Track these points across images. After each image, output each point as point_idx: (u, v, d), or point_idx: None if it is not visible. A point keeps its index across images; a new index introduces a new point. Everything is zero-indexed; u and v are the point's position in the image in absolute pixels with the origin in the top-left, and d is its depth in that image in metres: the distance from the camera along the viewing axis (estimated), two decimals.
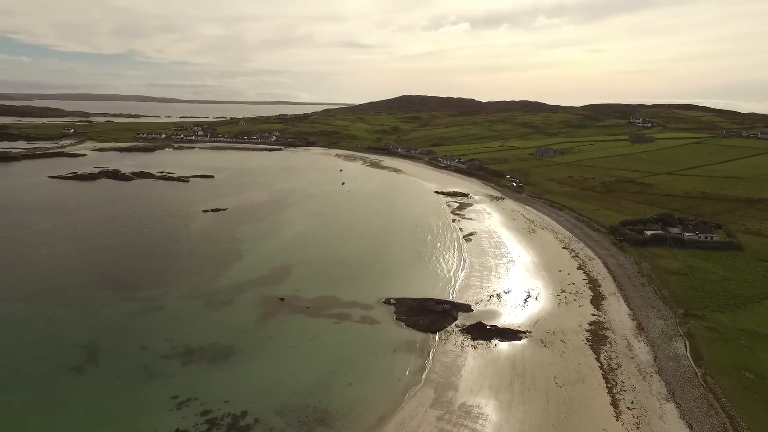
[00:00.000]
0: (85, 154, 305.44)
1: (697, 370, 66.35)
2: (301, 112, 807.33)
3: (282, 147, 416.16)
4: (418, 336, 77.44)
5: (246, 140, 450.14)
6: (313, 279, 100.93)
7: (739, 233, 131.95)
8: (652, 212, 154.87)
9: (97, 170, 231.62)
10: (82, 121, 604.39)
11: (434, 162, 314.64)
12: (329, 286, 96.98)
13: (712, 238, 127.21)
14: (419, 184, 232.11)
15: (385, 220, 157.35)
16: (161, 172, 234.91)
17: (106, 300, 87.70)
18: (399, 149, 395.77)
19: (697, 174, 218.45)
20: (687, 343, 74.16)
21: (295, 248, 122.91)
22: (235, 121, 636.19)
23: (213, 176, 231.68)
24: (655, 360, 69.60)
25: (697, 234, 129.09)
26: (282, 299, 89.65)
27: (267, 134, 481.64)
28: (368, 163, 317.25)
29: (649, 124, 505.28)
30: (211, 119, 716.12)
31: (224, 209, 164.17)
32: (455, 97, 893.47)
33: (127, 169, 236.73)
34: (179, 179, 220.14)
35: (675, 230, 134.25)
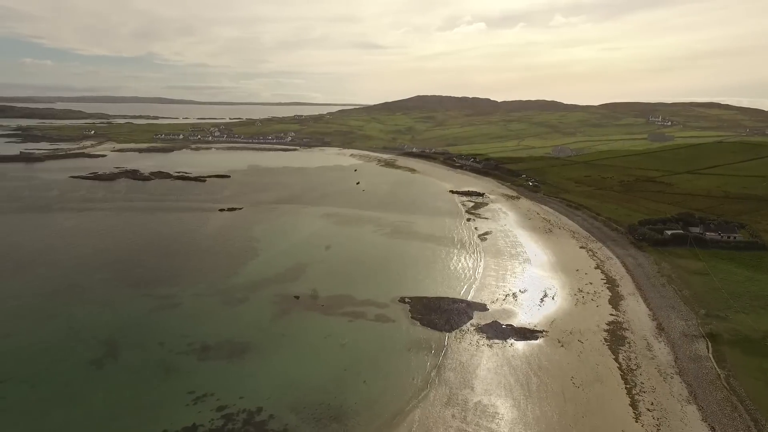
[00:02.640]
0: (105, 155, 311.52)
1: (720, 372, 64.67)
2: (317, 113, 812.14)
3: (297, 147, 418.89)
4: (433, 335, 76.97)
5: (262, 141, 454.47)
6: (328, 277, 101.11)
7: (764, 233, 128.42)
8: (673, 212, 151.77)
9: (116, 170, 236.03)
10: (102, 122, 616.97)
11: (449, 162, 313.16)
12: (344, 284, 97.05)
13: (735, 237, 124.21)
14: (434, 184, 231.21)
15: (398, 221, 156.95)
16: (179, 172, 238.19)
17: (124, 297, 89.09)
18: (414, 149, 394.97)
19: (719, 173, 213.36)
20: (709, 344, 72.38)
21: (310, 247, 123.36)
22: (251, 122, 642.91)
23: (229, 176, 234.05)
24: (675, 361, 68.06)
25: (720, 234, 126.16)
26: (297, 297, 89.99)
27: (282, 135, 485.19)
28: (383, 163, 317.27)
29: (669, 123, 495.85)
30: (227, 120, 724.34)
31: (240, 208, 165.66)
32: (470, 96, 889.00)
33: (145, 170, 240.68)
34: (196, 179, 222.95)
35: (696, 230, 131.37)
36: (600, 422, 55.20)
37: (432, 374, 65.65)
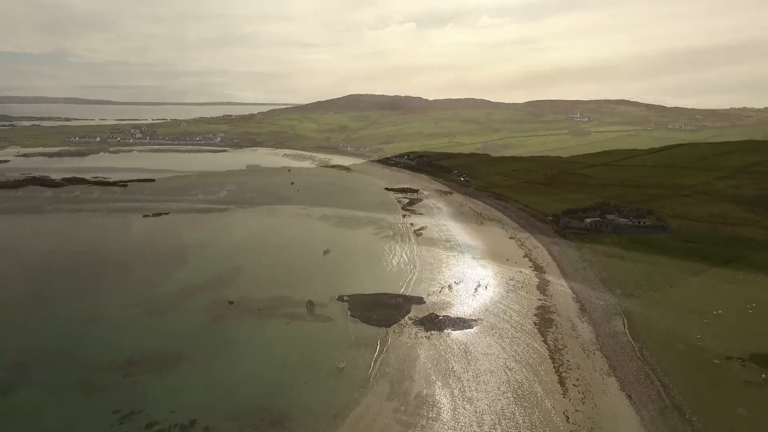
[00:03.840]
0: (7, 161, 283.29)
1: (634, 345, 70.46)
2: (247, 113, 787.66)
3: (227, 148, 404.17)
4: (373, 330, 77.41)
5: (189, 142, 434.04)
6: (264, 280, 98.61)
7: (668, 217, 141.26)
8: (591, 201, 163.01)
9: (22, 177, 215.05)
10: (3, 125, 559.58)
11: (383, 160, 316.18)
12: (280, 286, 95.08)
13: (644, 222, 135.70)
14: (369, 182, 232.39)
15: (336, 219, 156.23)
16: (96, 177, 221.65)
17: (38, 315, 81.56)
18: (348, 148, 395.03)
19: (630, 164, 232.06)
20: (625, 320, 78.63)
21: (244, 249, 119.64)
22: (176, 123, 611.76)
23: (153, 180, 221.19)
24: (597, 338, 73.26)
25: (631, 219, 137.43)
26: (231, 302, 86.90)
27: (211, 136, 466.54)
28: (317, 162, 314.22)
29: (587, 119, 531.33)
30: (150, 121, 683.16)
31: (166, 213, 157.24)
32: (403, 95, 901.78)
33: (57, 175, 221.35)
34: (116, 184, 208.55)
35: (611, 217, 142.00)
36: (532, 402, 58.19)
37: (372, 370, 66.01)
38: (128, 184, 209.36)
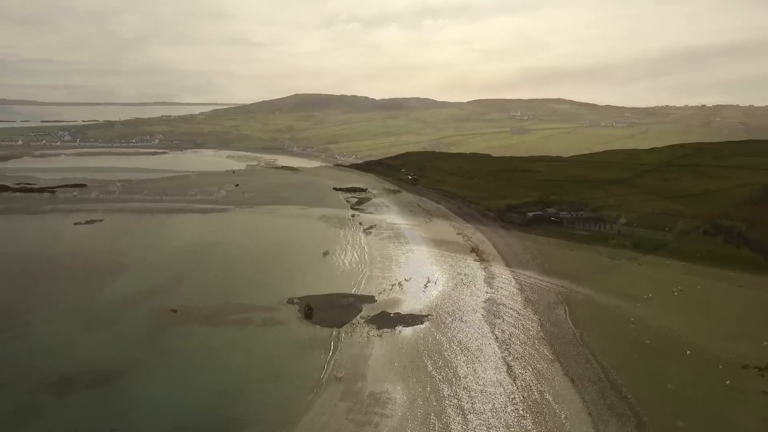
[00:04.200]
0: None
1: (575, 331, 74.18)
2: (188, 113, 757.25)
3: (167, 150, 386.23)
4: (325, 332, 76.70)
5: (124, 144, 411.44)
6: (209, 287, 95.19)
7: (604, 209, 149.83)
8: (533, 196, 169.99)
9: None
10: None
11: (331, 159, 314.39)
12: (228, 292, 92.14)
13: (581, 215, 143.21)
14: (317, 182, 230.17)
15: (283, 221, 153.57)
16: (19, 184, 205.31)
17: None
18: (295, 148, 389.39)
19: (568, 159, 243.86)
20: (566, 309, 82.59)
21: (188, 255, 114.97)
22: (110, 124, 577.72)
23: (85, 185, 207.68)
24: (541, 327, 76.43)
25: (570, 212, 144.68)
26: (174, 311, 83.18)
27: (149, 137, 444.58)
28: (263, 164, 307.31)
29: (526, 117, 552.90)
30: (81, 123, 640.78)
31: (100, 220, 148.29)
32: (349, 94, 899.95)
33: None
34: (43, 190, 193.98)
35: (552, 210, 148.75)
36: (483, 392, 59.78)
37: (325, 371, 65.40)
38: (56, 190, 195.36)
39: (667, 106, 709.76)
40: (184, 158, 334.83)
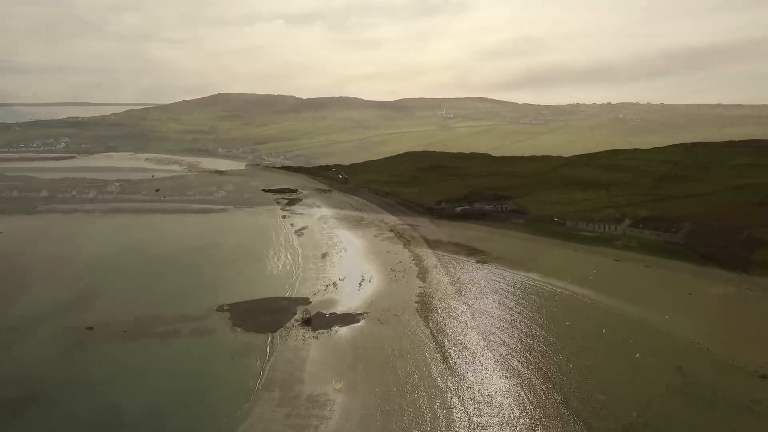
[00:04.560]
0: None
1: (505, 317, 77.69)
2: (98, 114, 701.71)
3: (75, 155, 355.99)
4: (258, 338, 74.34)
5: (24, 149, 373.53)
6: (129, 299, 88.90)
7: (524, 201, 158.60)
8: (461, 191, 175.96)
9: None
10: None
11: (259, 160, 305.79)
12: (150, 303, 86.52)
13: (506, 207, 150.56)
14: (245, 184, 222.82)
15: (211, 226, 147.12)
16: None
17: None
18: (219, 149, 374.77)
19: (492, 155, 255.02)
20: (496, 297, 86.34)
21: (104, 264, 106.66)
22: (6, 127, 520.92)
23: None
24: (472, 316, 79.29)
25: (495, 206, 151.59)
26: (90, 328, 76.69)
27: (53, 141, 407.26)
28: (185, 166, 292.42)
29: (452, 115, 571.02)
30: None
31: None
32: (275, 93, 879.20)
33: None
34: None
35: (478, 204, 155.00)
36: (421, 383, 60.85)
37: (260, 378, 63.41)
38: None
39: (578, 104, 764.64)
40: (96, 164, 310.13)
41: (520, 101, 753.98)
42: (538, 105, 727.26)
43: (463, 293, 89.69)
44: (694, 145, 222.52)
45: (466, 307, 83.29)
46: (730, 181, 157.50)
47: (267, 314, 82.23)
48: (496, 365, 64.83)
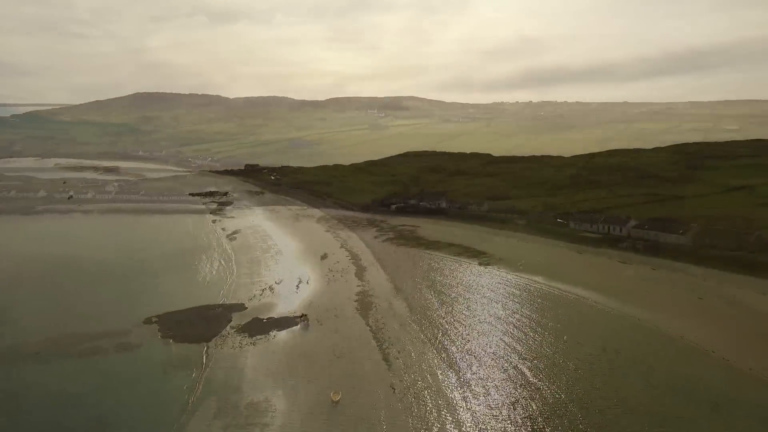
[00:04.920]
0: None
1: (441, 312, 79.80)
2: None
3: None
4: (192, 349, 70.84)
5: None
6: (43, 314, 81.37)
7: (458, 197, 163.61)
8: (395, 188, 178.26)
9: None
10: None
11: (184, 163, 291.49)
12: (66, 320, 79.65)
13: (440, 204, 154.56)
14: (171, 189, 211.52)
15: (134, 233, 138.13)
16: None
17: None
18: (140, 152, 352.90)
19: (423, 153, 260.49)
20: (433, 292, 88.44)
21: (10, 279, 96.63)
22: None
23: None
24: (410, 312, 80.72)
25: (429, 202, 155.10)
26: None
27: None
28: (102, 172, 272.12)
29: (383, 114, 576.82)
30: None
31: None
32: (200, 93, 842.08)
33: None
34: None
35: (413, 201, 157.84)
36: (362, 381, 60.95)
37: (196, 390, 60.50)
38: None
39: (502, 102, 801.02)
40: None
41: (448, 100, 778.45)
42: (466, 103, 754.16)
43: (402, 291, 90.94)
44: (695, 144, 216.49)
45: (405, 304, 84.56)
46: (732, 181, 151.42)
47: (200, 323, 78.64)
48: (441, 361, 66.40)
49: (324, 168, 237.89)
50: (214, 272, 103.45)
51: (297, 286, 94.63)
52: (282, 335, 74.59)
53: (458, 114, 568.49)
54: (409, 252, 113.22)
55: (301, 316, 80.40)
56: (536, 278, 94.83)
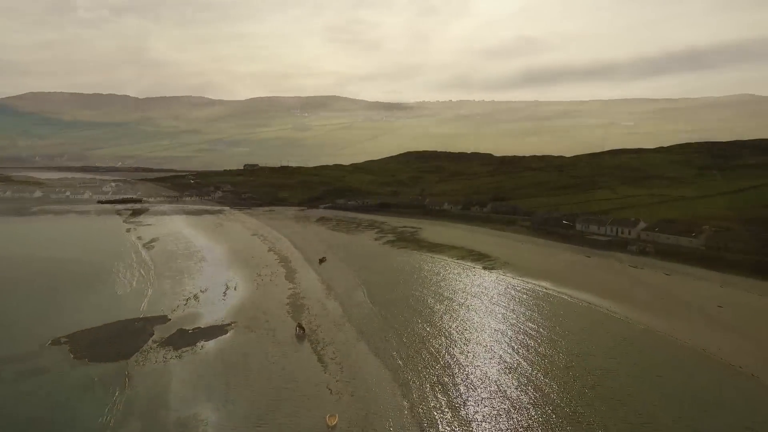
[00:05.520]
0: None
1: (373, 308, 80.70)
2: None
3: None
4: (109, 368, 65.55)
5: None
6: None
7: (380, 195, 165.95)
8: (323, 188, 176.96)
9: None
10: None
11: (89, 170, 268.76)
12: None
13: (367, 202, 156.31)
14: (76, 200, 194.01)
15: (36, 246, 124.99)
16: None
17: None
18: (37, 158, 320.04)
19: (350, 153, 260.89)
20: (364, 290, 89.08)
21: None
22: None
23: None
24: (344, 311, 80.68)
25: (357, 201, 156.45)
26: None
27: None
28: None
29: (306, 114, 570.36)
30: None
31: None
32: (105, 93, 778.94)
33: None
34: None
35: (341, 201, 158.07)
36: (298, 386, 59.89)
37: (114, 413, 56.13)
38: None
39: (424, 102, 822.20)
40: None
41: (372, 99, 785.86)
42: (388, 102, 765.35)
43: (333, 288, 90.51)
44: (697, 144, 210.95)
45: (338, 304, 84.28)
46: (739, 182, 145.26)
47: (118, 340, 73.02)
48: (377, 360, 66.88)
49: (247, 168, 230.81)
50: (130, 284, 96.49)
51: (224, 293, 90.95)
52: (210, 345, 71.33)
53: (381, 113, 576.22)
54: (340, 254, 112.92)
55: (230, 324, 77.46)
56: (543, 283, 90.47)
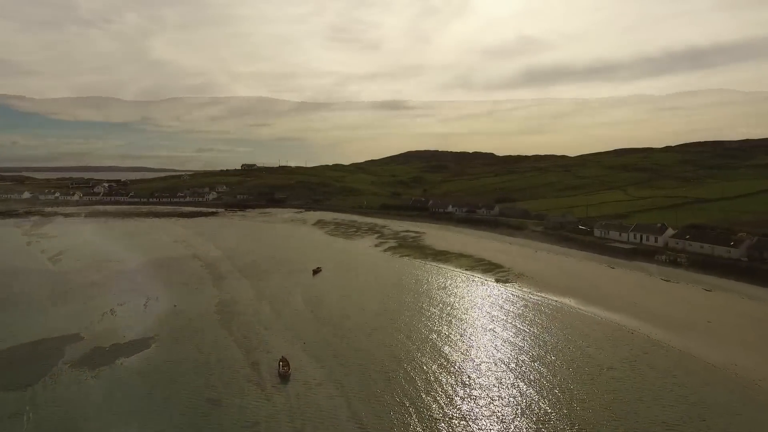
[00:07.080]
0: None
1: (305, 308, 78.86)
2: None
3: None
4: (10, 396, 58.36)
5: None
6: None
7: (334, 195, 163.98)
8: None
9: None
10: None
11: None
12: None
13: (317, 199, 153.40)
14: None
15: None
16: None
17: None
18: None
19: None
20: (299, 291, 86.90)
21: None
22: None
23: None
24: (279, 316, 78.07)
25: (295, 201, 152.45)
26: None
27: None
28: None
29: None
30: None
31: None
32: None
33: None
34: None
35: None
36: (231, 398, 56.90)
37: None
38: None
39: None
40: None
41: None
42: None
43: (266, 296, 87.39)
44: (705, 144, 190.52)
45: (269, 308, 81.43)
46: (756, 183, 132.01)
47: (22, 365, 65.37)
48: (324, 372, 65.16)
49: (167, 171, 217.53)
50: (33, 302, 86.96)
51: (145, 305, 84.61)
52: (132, 362, 65.84)
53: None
54: (276, 257, 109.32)
55: (153, 337, 72.16)
56: (566, 300, 77.49)
